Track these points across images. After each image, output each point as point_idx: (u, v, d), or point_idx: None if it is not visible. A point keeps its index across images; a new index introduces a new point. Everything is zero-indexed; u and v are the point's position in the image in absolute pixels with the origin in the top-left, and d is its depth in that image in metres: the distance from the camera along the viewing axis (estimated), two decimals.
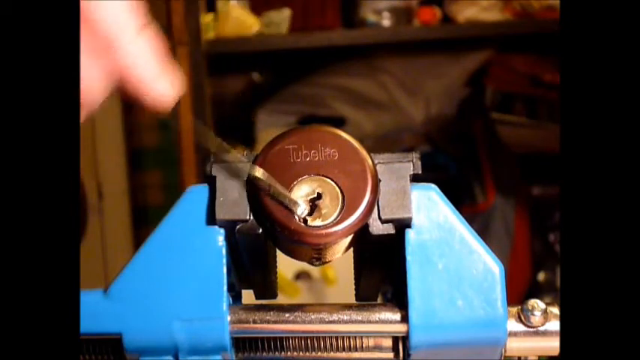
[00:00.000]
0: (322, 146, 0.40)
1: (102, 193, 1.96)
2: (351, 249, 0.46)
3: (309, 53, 1.92)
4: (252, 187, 0.40)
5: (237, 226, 0.40)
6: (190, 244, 0.41)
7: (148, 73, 0.38)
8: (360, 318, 0.42)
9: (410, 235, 0.41)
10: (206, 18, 1.74)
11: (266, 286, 0.49)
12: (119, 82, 0.38)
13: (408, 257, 0.41)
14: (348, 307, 0.42)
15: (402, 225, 0.41)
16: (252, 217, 0.40)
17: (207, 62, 1.67)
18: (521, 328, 0.42)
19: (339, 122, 1.97)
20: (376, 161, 0.41)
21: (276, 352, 0.43)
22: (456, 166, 1.98)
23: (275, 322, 0.42)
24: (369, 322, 0.42)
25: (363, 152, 0.40)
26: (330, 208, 0.40)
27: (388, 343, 0.43)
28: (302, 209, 0.39)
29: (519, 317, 0.42)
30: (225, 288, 0.41)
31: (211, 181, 0.41)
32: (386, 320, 0.42)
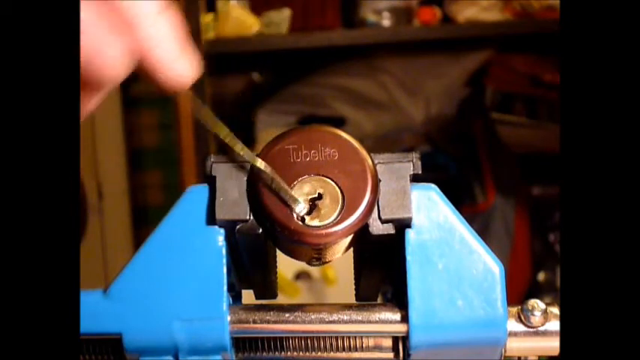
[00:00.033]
0: (322, 146, 0.40)
1: (102, 193, 1.96)
2: (351, 249, 0.46)
3: (309, 53, 1.92)
4: (253, 187, 0.40)
5: (237, 226, 0.40)
6: (190, 244, 0.41)
7: (168, 54, 0.39)
8: (360, 318, 0.42)
9: (410, 235, 0.41)
10: (206, 18, 1.74)
11: (266, 286, 0.49)
12: (140, 61, 0.38)
13: (408, 257, 0.41)
14: (348, 307, 0.42)
15: (402, 225, 0.41)
16: (252, 217, 0.40)
17: (207, 62, 1.67)
18: (521, 328, 0.42)
19: (339, 122, 1.97)
20: (376, 161, 0.41)
21: (276, 352, 0.43)
22: (456, 166, 1.98)
23: (275, 322, 0.42)
24: (369, 322, 0.42)
25: (363, 152, 0.40)
26: (330, 208, 0.40)
27: (388, 343, 0.43)
28: (301, 207, 0.39)
29: (519, 317, 0.42)
30: (225, 288, 0.41)
31: (211, 181, 0.41)
32: (386, 320, 0.42)
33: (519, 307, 0.42)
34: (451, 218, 0.41)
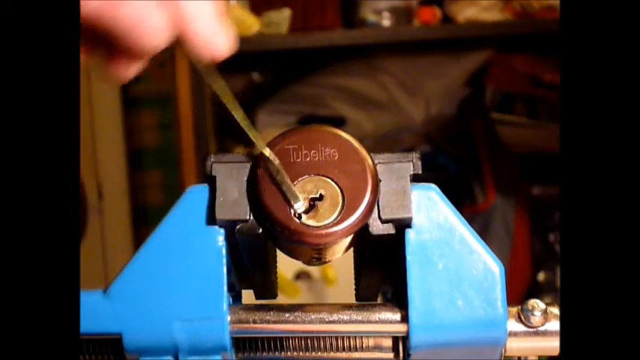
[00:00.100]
0: (322, 146, 0.40)
1: (102, 193, 1.96)
2: (351, 249, 0.46)
3: (309, 53, 1.92)
4: (253, 187, 0.40)
5: (237, 226, 0.40)
6: (190, 244, 0.41)
7: (206, 28, 0.41)
8: (360, 318, 0.42)
9: (410, 235, 0.41)
10: None
11: (266, 286, 0.49)
12: (179, 33, 0.40)
13: (408, 257, 0.41)
14: (348, 307, 0.42)
15: (402, 225, 0.41)
16: (252, 217, 0.40)
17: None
18: (521, 328, 0.42)
19: (339, 122, 1.97)
20: (376, 161, 0.41)
21: (276, 352, 0.43)
22: (456, 166, 1.98)
23: (275, 322, 0.42)
24: (369, 322, 0.42)
25: (363, 152, 0.40)
26: (330, 208, 0.40)
27: (388, 343, 0.43)
28: (300, 205, 0.39)
29: (519, 317, 0.42)
30: (225, 288, 0.41)
31: (211, 181, 0.41)
32: (386, 320, 0.42)
33: (519, 307, 0.42)
34: (451, 218, 0.41)
